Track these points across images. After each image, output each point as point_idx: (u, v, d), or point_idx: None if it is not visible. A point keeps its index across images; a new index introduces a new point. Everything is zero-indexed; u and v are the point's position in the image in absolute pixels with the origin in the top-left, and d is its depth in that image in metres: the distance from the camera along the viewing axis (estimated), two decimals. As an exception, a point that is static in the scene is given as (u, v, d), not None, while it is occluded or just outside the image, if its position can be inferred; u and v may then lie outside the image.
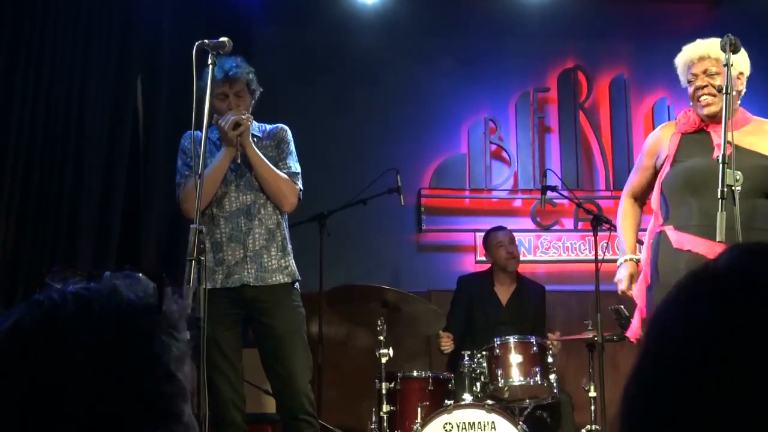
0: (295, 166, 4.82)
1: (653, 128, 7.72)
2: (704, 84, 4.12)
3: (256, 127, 4.81)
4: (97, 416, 1.14)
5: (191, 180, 4.62)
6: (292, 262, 4.77)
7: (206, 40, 4.01)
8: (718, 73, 4.05)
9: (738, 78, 4.10)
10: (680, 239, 4.08)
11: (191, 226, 3.74)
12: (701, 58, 4.15)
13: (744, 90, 4.23)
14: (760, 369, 0.96)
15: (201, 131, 4.63)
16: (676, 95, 7.79)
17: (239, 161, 4.66)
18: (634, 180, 4.50)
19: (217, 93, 4.61)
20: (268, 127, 4.90)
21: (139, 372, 1.18)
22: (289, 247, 4.79)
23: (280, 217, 4.75)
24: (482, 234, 7.20)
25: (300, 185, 4.80)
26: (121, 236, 6.11)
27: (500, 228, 6.77)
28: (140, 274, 1.27)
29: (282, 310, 4.66)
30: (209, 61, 4.01)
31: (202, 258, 3.73)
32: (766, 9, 7.54)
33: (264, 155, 4.70)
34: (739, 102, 4.21)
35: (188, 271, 3.68)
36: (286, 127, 4.90)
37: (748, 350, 0.97)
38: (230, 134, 4.55)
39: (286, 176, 4.72)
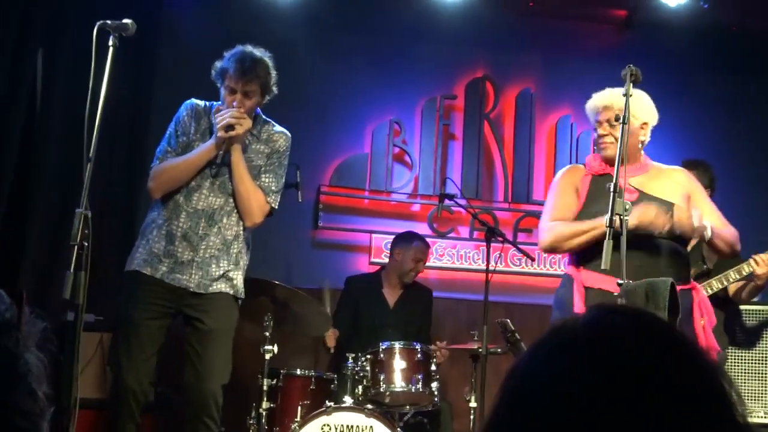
0: (277, 184, 4.72)
1: (555, 144, 7.88)
2: (606, 133, 4.32)
3: (259, 123, 4.70)
4: None
5: (170, 158, 4.54)
6: (240, 277, 4.69)
7: (108, 21, 3.91)
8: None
9: (641, 128, 4.33)
10: (589, 278, 4.21)
11: (76, 210, 3.64)
12: (606, 108, 4.33)
13: (647, 140, 4.41)
14: (614, 423, 0.97)
15: (202, 103, 4.55)
16: (580, 114, 7.86)
17: (218, 161, 4.56)
18: (557, 215, 4.43)
19: (227, 85, 4.52)
20: (273, 128, 4.78)
21: (3, 391, 1.16)
22: (243, 261, 4.71)
23: (240, 228, 4.65)
24: (379, 236, 7.24)
25: (274, 204, 4.71)
26: (6, 215, 5.94)
27: (425, 241, 6.78)
28: (0, 290, 1.25)
29: (215, 310, 4.57)
30: (110, 42, 3.90)
31: (86, 243, 3.63)
32: (674, 34, 7.67)
33: (251, 160, 4.62)
34: (641, 151, 4.40)
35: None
36: (288, 137, 4.80)
37: (603, 404, 0.98)
38: (220, 134, 4.45)
39: (261, 193, 4.63)
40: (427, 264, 7.09)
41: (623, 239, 3.61)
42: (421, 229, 7.49)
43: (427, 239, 6.94)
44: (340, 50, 7.69)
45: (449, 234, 7.66)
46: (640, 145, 4.35)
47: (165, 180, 4.56)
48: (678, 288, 3.98)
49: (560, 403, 1.00)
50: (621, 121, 3.80)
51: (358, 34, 7.74)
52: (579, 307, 4.16)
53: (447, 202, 6.49)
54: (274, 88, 4.68)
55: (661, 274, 4.00)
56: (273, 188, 4.69)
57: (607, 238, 3.57)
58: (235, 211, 4.60)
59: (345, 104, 7.67)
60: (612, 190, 3.64)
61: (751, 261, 5.40)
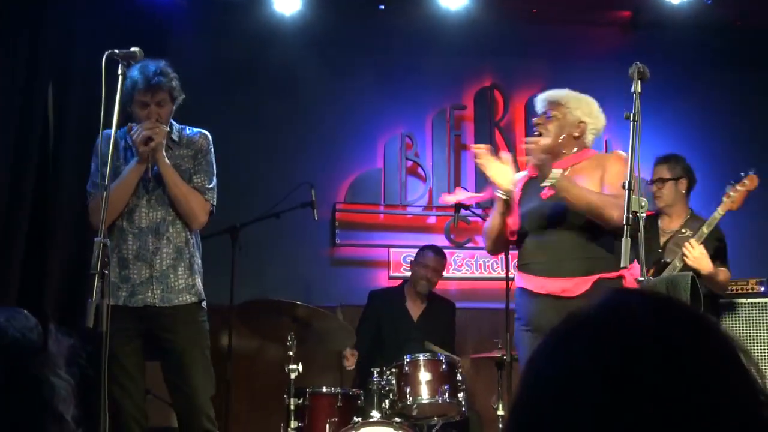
0: (210, 181, 4.73)
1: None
2: (539, 122, 4.44)
3: (175, 130, 4.72)
4: None
5: (100, 190, 4.55)
6: (199, 281, 4.68)
7: (116, 50, 3.94)
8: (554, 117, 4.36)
9: (577, 125, 4.38)
10: (518, 278, 4.43)
11: (95, 239, 3.67)
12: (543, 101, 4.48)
13: (585, 137, 4.44)
14: (632, 409, 0.96)
15: (113, 133, 4.56)
16: (590, 117, 7.90)
17: (150, 175, 4.59)
18: None
19: (137, 100, 4.52)
20: (189, 131, 4.79)
21: (29, 418, 1.14)
22: (197, 264, 4.70)
23: (189, 234, 4.67)
24: (397, 250, 7.26)
25: (213, 201, 4.72)
26: (26, 247, 5.97)
27: (438, 251, 6.77)
28: (24, 310, 1.23)
29: (184, 326, 4.59)
30: (119, 71, 3.94)
31: (106, 272, 3.65)
32: (679, 35, 7.67)
33: (179, 165, 4.63)
34: (578, 143, 4.43)
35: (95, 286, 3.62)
36: (207, 135, 4.79)
37: (621, 383, 0.98)
38: (141, 149, 4.47)
39: (197, 193, 4.64)
40: (447, 275, 7.09)
41: (641, 236, 3.60)
42: (439, 240, 7.49)
43: (445, 251, 6.93)
44: (347, 67, 7.71)
45: (467, 244, 7.66)
46: (572, 138, 4.38)
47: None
48: (597, 276, 4.07)
49: (578, 383, 1.00)
50: (632, 119, 3.78)
51: (364, 50, 7.76)
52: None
53: (463, 212, 6.47)
54: (182, 94, 4.68)
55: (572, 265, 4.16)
56: (207, 186, 4.71)
57: (624, 236, 3.55)
58: (178, 218, 4.61)
59: (355, 120, 7.69)
60: (627, 187, 3.62)
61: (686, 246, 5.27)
